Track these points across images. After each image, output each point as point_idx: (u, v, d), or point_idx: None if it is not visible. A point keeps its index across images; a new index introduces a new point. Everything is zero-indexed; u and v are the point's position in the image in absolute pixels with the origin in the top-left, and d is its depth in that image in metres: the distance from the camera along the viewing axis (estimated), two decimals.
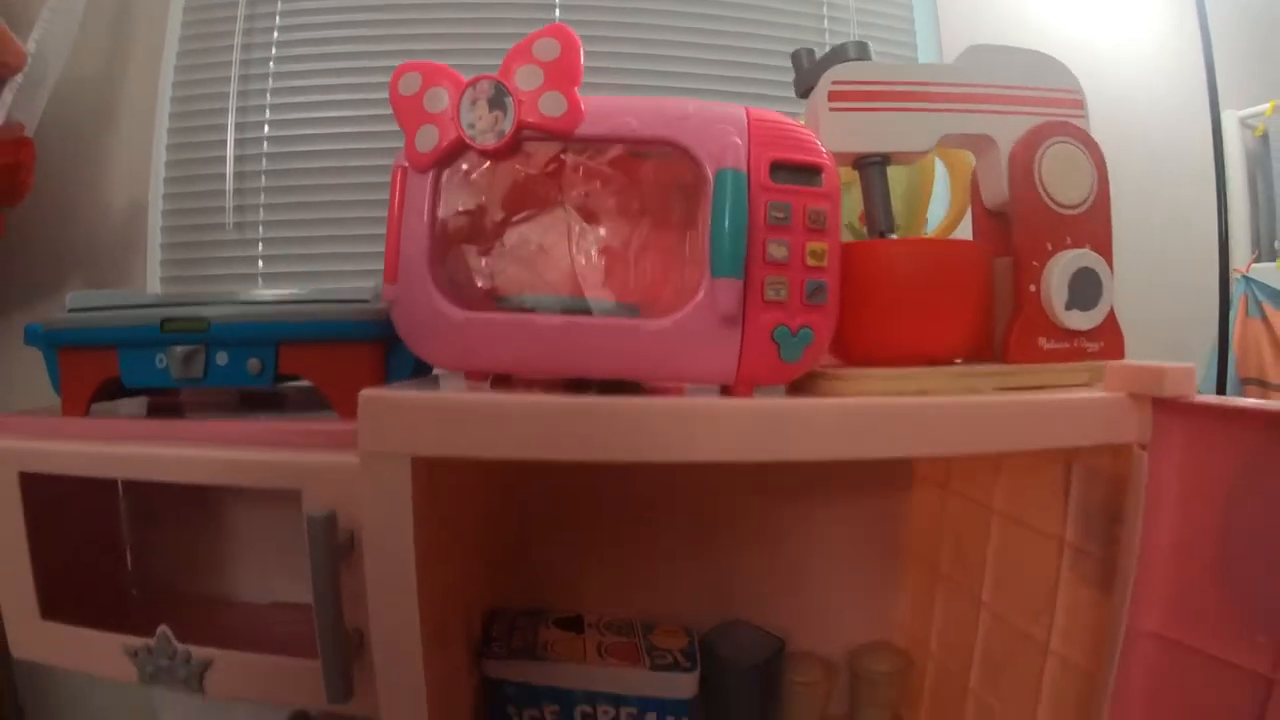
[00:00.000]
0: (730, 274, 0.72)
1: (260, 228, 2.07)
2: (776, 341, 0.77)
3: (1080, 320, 0.93)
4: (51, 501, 1.04)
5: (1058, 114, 0.96)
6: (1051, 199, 0.93)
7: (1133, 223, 2.00)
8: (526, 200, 0.79)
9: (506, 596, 1.32)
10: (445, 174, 0.76)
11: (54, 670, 1.89)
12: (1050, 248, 0.93)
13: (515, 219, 0.79)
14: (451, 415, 0.72)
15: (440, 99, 0.72)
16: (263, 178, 2.07)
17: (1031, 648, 1.06)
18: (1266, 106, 2.37)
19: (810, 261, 0.76)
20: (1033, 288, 0.93)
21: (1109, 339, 0.96)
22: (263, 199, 2.08)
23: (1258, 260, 2.41)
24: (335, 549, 0.80)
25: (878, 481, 1.41)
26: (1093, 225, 0.95)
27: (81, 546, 1.16)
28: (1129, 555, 0.88)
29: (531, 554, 1.33)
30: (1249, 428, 0.83)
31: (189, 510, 1.25)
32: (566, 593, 1.34)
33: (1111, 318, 0.95)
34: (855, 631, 1.43)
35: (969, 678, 1.21)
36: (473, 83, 0.72)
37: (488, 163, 0.75)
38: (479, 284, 0.78)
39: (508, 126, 0.72)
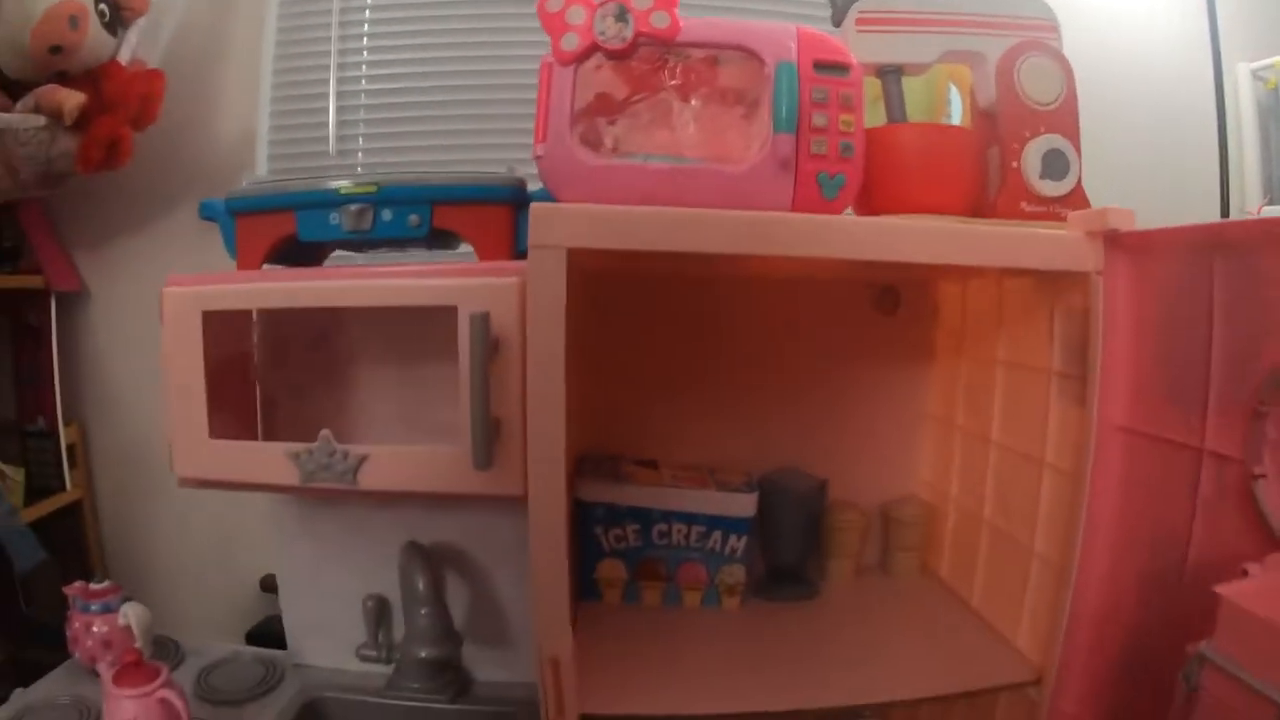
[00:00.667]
0: (786, 130, 1.01)
1: (359, 154, 2.32)
2: (819, 184, 1.05)
3: (1052, 188, 1.21)
4: (221, 339, 1.24)
5: (1034, 36, 1.25)
6: (1028, 98, 1.22)
7: (1143, 169, 2.25)
8: (640, 86, 1.05)
9: (589, 444, 1.48)
10: (581, 68, 1.02)
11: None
12: (1027, 134, 1.21)
13: (632, 99, 1.06)
14: (597, 217, 0.97)
15: (579, 14, 0.98)
16: (361, 110, 2.31)
17: (1031, 467, 1.30)
18: (1278, 59, 2.45)
19: (842, 128, 1.05)
20: (1015, 164, 1.21)
21: (1078, 206, 1.22)
22: (362, 128, 2.31)
23: (1269, 204, 2.52)
24: (487, 344, 1.05)
25: (906, 352, 1.66)
26: (1062, 119, 1.23)
27: (238, 378, 1.36)
28: (1095, 367, 1.15)
29: (610, 407, 1.50)
30: (1177, 247, 1.08)
31: (325, 349, 1.44)
32: (639, 443, 1.52)
33: (1079, 190, 1.23)
34: (887, 486, 1.68)
35: (983, 510, 1.45)
36: (603, 3, 1.03)
37: (612, 61, 1.03)
38: (606, 143, 1.08)
39: (629, 34, 0.99)
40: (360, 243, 1.35)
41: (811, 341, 1.62)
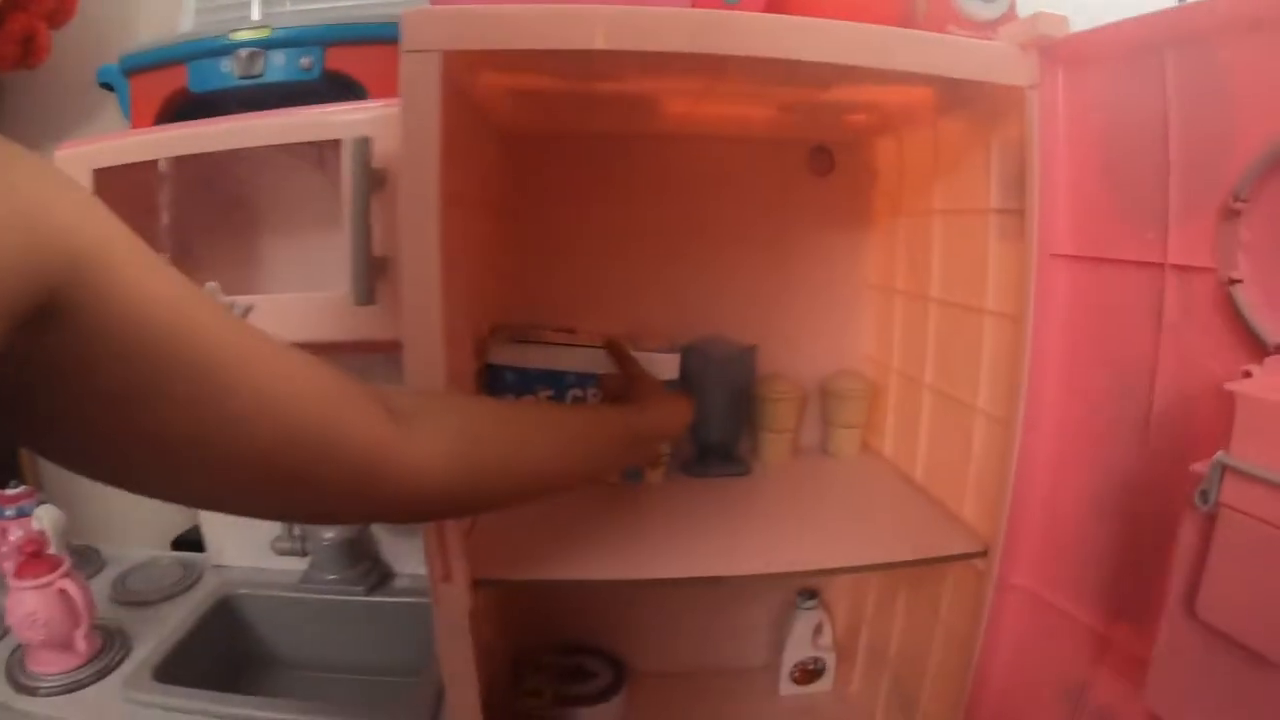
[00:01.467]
0: None
1: None
2: None
3: (982, 11, 1.07)
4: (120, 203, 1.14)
5: None
6: None
7: None
8: None
9: (507, 314, 1.39)
10: None
11: None
12: None
13: None
14: (473, 16, 0.83)
15: None
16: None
17: (971, 318, 1.17)
18: None
19: None
20: None
21: None
22: None
23: None
24: (368, 171, 0.92)
25: (842, 217, 1.52)
26: None
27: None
28: (1034, 192, 1.00)
29: (530, 276, 1.41)
30: (1120, 49, 0.93)
31: (225, 193, 1.34)
32: (560, 313, 1.40)
33: (1012, 14, 1.08)
34: (825, 360, 1.54)
35: (925, 375, 1.32)
36: None
37: None
38: None
39: None
40: (255, 96, 1.22)
41: (742, 206, 1.47)
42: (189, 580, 1.54)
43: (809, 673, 1.58)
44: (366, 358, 1.30)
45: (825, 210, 1.50)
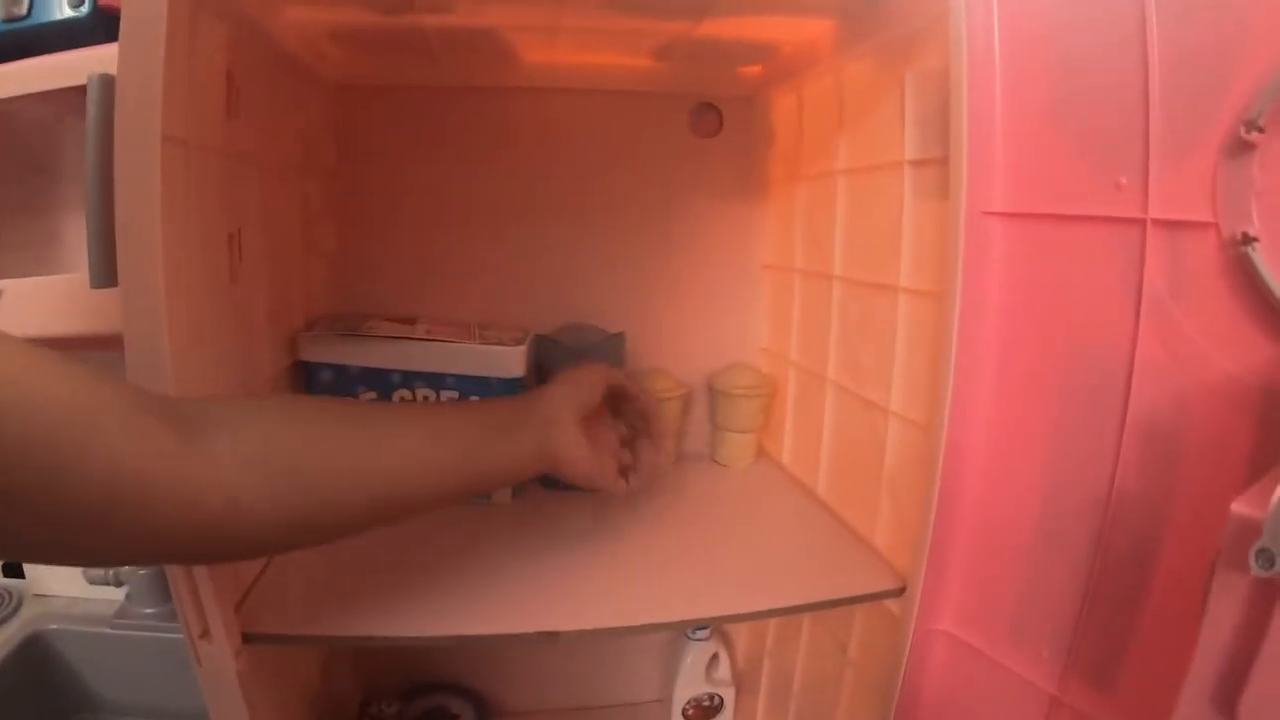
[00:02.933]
0: None
1: None
2: None
3: None
4: None
5: None
6: None
7: None
8: None
9: (334, 303, 1.14)
10: None
11: None
12: None
13: None
14: None
15: None
16: None
17: (883, 299, 0.90)
18: None
19: None
20: None
21: None
22: None
23: None
24: (112, 119, 0.64)
25: (733, 187, 1.26)
26: None
27: None
28: (961, 136, 0.72)
29: (362, 259, 1.17)
30: None
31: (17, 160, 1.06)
32: (398, 301, 1.16)
33: None
34: (714, 354, 1.28)
35: (827, 368, 1.06)
36: None
37: None
38: None
39: None
40: (25, 42, 0.96)
41: (613, 172, 1.21)
42: (4, 612, 1.30)
43: (705, 709, 1.33)
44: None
45: (712, 178, 1.24)
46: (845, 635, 1.00)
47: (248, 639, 0.72)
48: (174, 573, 0.66)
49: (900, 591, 0.84)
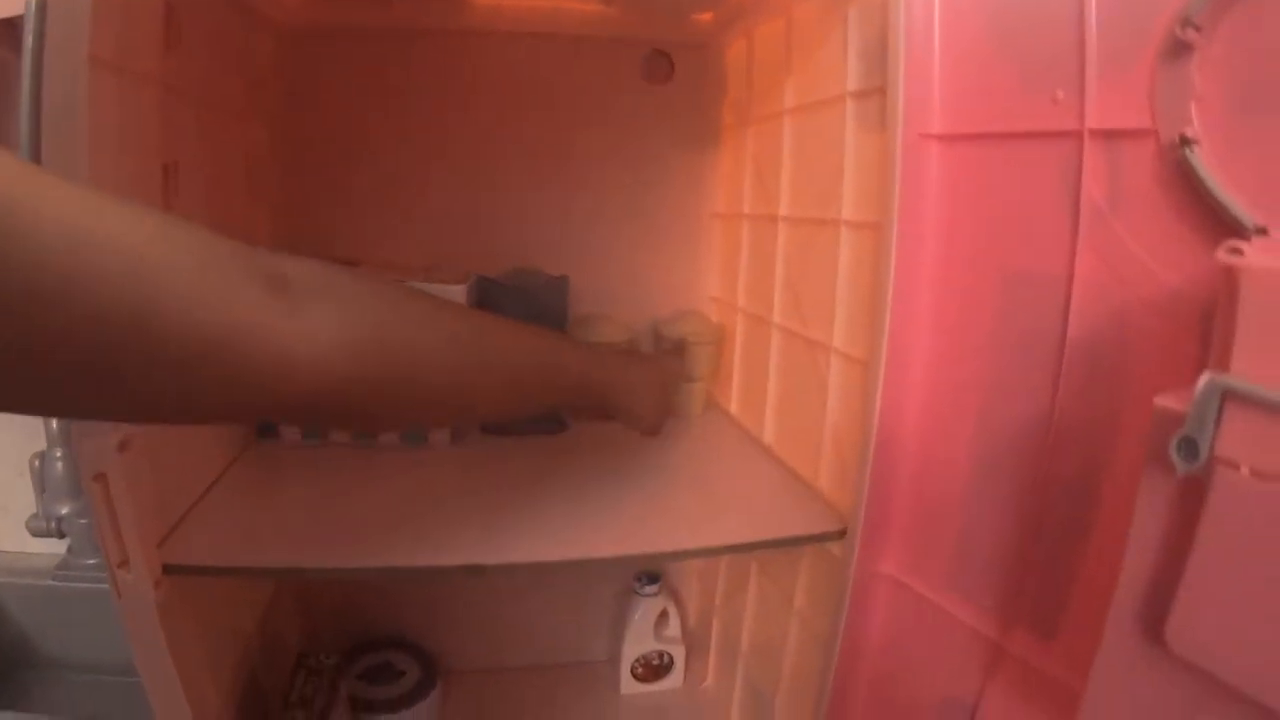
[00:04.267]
0: None
1: None
2: None
3: None
4: None
5: None
6: None
7: None
8: None
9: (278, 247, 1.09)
10: None
11: None
12: None
13: None
14: None
15: None
16: None
17: (825, 234, 0.87)
18: None
19: None
20: None
21: None
22: None
23: None
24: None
25: (684, 134, 1.22)
26: None
27: None
28: (897, 62, 0.69)
29: (308, 202, 1.13)
30: None
31: None
32: (344, 245, 1.13)
33: None
34: (661, 301, 1.25)
35: (773, 311, 1.03)
36: None
37: None
38: None
39: None
40: None
41: (562, 117, 1.17)
42: None
43: (654, 668, 1.31)
44: None
45: (663, 125, 1.21)
46: (791, 585, 0.97)
47: (168, 570, 0.70)
48: (94, 500, 0.64)
49: (841, 534, 0.81)
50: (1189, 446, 0.40)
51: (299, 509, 0.85)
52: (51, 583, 1.21)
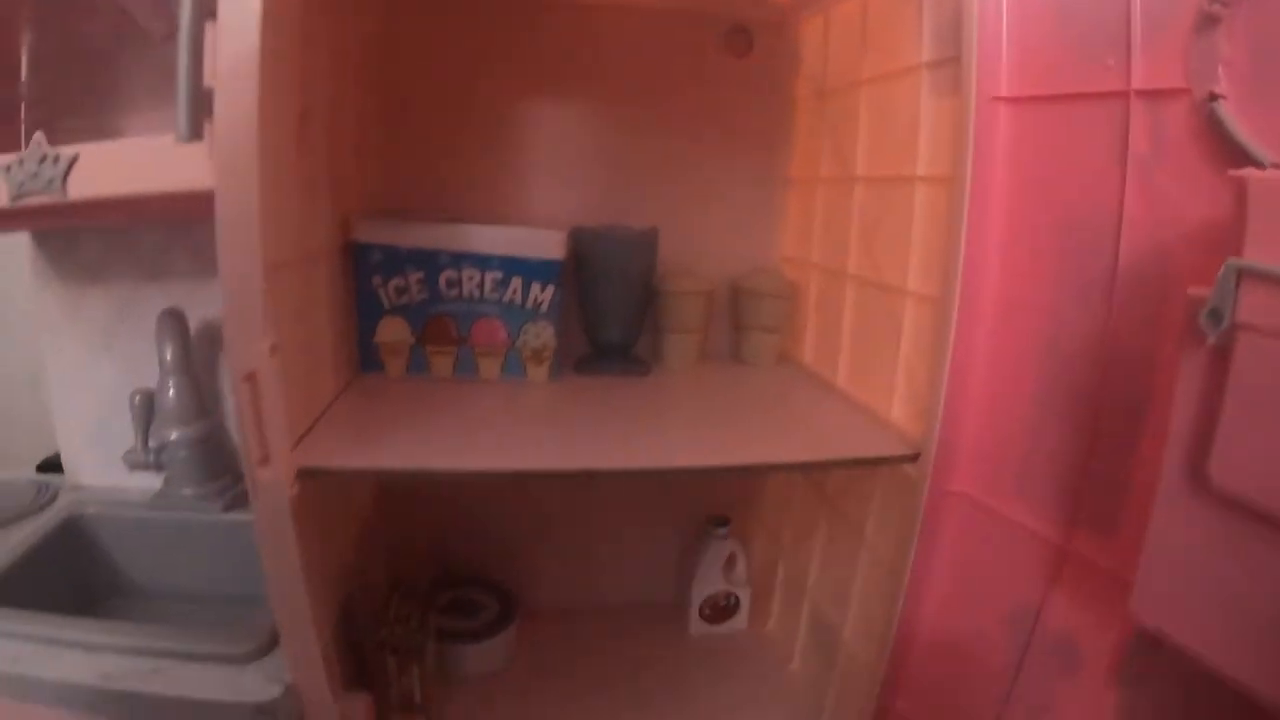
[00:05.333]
0: None
1: None
2: None
3: None
4: None
5: None
6: None
7: None
8: None
9: (381, 201, 1.24)
10: None
11: None
12: None
13: None
14: None
15: None
16: None
17: (901, 190, 1.02)
18: None
19: None
20: None
21: None
22: None
23: None
24: None
25: (762, 104, 1.37)
26: None
27: None
28: (972, 33, 0.85)
29: (408, 160, 1.27)
30: None
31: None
32: (441, 200, 1.27)
33: None
34: (740, 259, 1.40)
35: (848, 263, 1.18)
36: None
37: None
38: None
39: None
40: None
41: (652, 87, 1.32)
42: (41, 502, 1.33)
43: (721, 609, 1.45)
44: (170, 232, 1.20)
45: (741, 96, 1.35)
46: (862, 517, 1.11)
47: (302, 473, 0.80)
48: (243, 399, 0.74)
49: (915, 457, 0.96)
50: (1215, 315, 0.56)
51: (416, 425, 0.98)
52: (147, 513, 1.30)
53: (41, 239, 1.27)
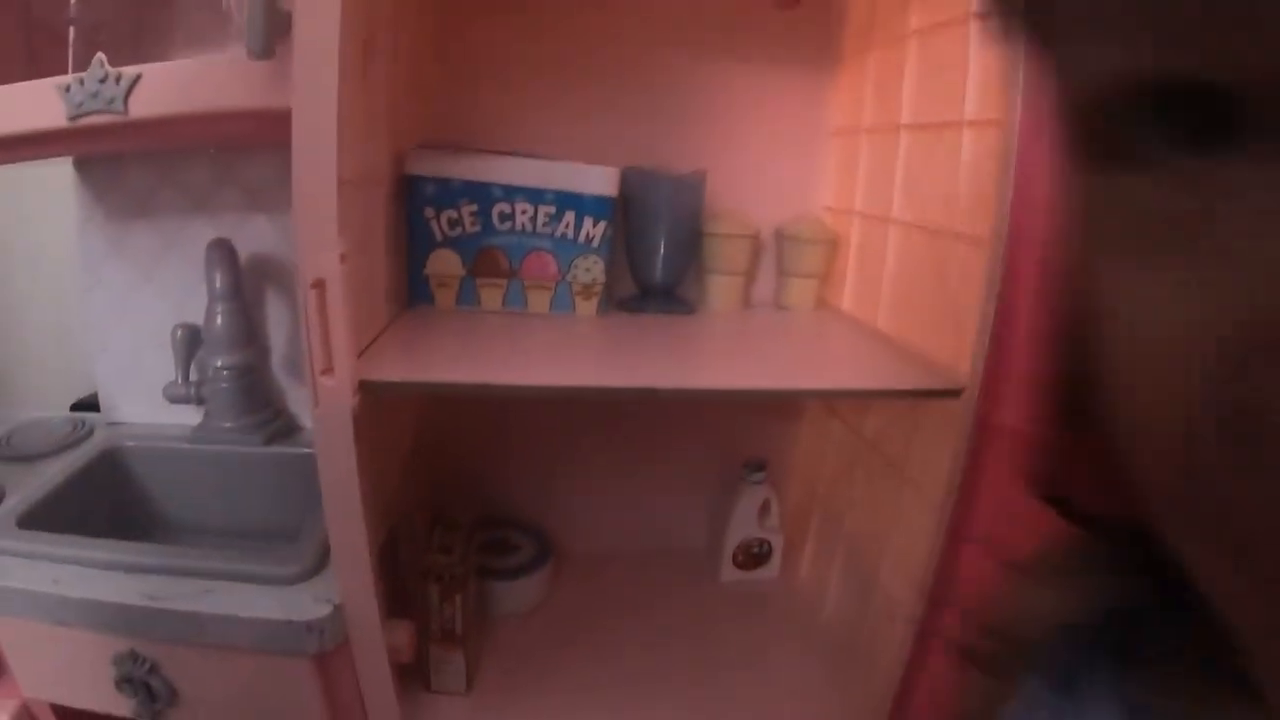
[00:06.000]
0: None
1: None
2: None
3: None
4: None
5: None
6: None
7: None
8: None
9: (433, 137, 1.30)
10: None
11: None
12: None
13: None
14: None
15: None
16: None
17: (949, 135, 1.06)
18: None
19: None
20: None
21: None
22: None
23: None
24: None
25: (808, 55, 1.42)
26: None
27: None
28: None
29: (462, 99, 1.32)
30: None
31: None
32: (492, 139, 1.32)
33: None
34: (783, 206, 1.45)
35: (891, 209, 1.22)
36: None
37: None
38: None
39: None
40: None
41: (699, 36, 1.37)
42: (78, 437, 1.39)
43: (754, 556, 1.51)
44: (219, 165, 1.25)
45: (789, 45, 1.40)
46: (904, 455, 1.16)
47: (363, 386, 0.85)
48: (310, 306, 0.78)
49: (960, 391, 1.00)
50: None
51: (469, 348, 1.04)
52: (186, 445, 1.34)
53: (87, 172, 1.32)
